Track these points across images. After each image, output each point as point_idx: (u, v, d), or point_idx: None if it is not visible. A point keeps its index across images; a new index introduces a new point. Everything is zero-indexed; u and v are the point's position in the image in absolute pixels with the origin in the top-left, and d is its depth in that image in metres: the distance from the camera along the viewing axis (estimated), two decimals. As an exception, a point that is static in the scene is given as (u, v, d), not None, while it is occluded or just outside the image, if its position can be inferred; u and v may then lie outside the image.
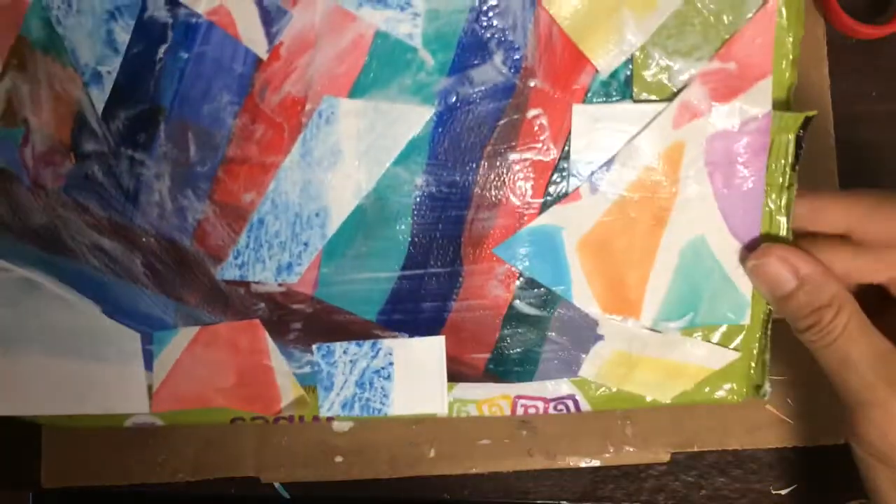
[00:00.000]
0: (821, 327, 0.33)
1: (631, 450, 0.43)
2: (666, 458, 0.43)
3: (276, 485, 0.45)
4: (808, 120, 0.34)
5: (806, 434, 0.43)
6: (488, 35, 0.34)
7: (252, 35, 0.34)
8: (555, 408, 0.39)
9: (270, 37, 0.34)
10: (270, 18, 0.34)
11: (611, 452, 0.43)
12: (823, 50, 0.43)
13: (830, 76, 0.43)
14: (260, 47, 0.34)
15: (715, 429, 0.43)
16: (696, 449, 0.44)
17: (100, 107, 0.35)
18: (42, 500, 0.46)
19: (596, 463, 0.44)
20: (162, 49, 0.34)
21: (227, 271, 0.36)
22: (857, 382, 0.33)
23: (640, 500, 0.44)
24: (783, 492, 0.44)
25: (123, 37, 0.34)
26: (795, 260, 0.34)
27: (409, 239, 0.36)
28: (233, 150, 0.35)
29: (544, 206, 0.35)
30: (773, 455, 0.44)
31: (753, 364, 0.37)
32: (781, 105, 0.34)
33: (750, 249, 0.35)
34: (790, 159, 0.35)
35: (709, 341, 0.37)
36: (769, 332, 0.37)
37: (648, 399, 0.38)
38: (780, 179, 0.35)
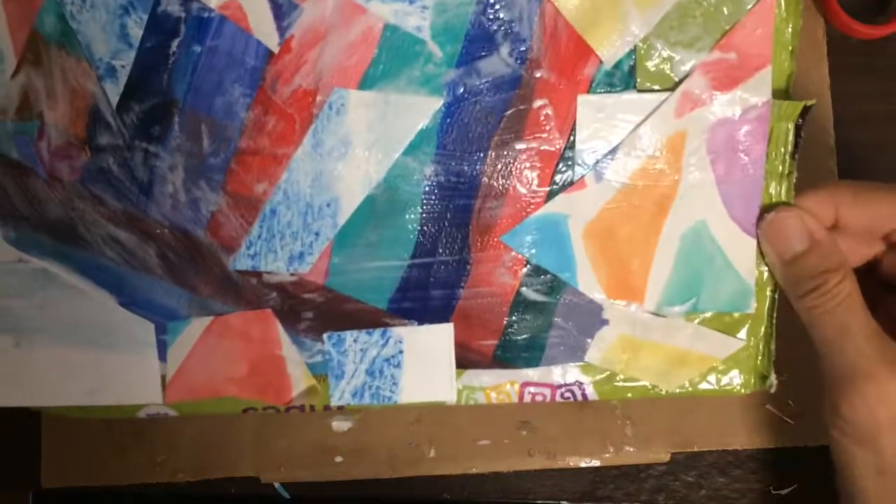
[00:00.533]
0: (825, 290, 0.34)
1: (631, 450, 0.44)
2: (666, 458, 0.44)
3: (276, 485, 0.45)
4: (806, 109, 0.35)
5: (806, 434, 0.44)
6: (495, 27, 0.35)
7: (263, 28, 0.35)
8: (562, 395, 0.40)
9: (281, 30, 0.35)
10: (282, 12, 0.35)
11: (611, 452, 0.44)
12: (823, 50, 0.43)
13: (830, 76, 0.43)
14: (271, 40, 0.35)
15: (715, 429, 0.44)
16: (696, 449, 0.44)
17: (114, 100, 0.36)
18: (42, 500, 0.46)
19: (596, 463, 0.44)
20: (175, 43, 0.35)
21: (240, 262, 0.37)
22: (853, 353, 0.33)
23: (640, 500, 0.45)
24: (783, 492, 0.45)
25: (137, 31, 0.35)
26: (810, 222, 0.35)
27: (419, 228, 0.37)
28: (245, 141, 0.36)
29: (550, 195, 0.36)
30: (773, 455, 0.45)
31: (760, 354, 0.38)
32: (781, 94, 0.36)
33: (751, 235, 0.37)
34: (790, 147, 0.36)
35: (714, 329, 0.38)
36: (775, 322, 0.38)
37: (653, 388, 0.39)
38: (780, 167, 0.36)
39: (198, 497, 0.46)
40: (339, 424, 0.44)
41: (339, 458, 0.45)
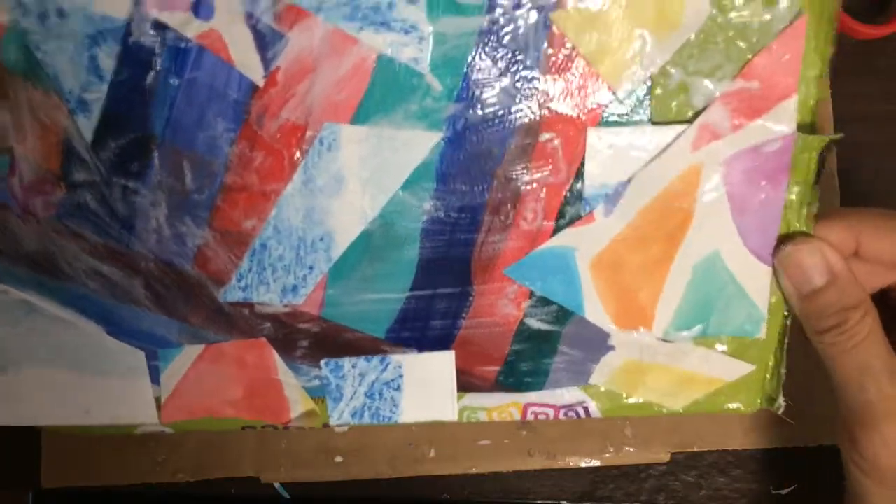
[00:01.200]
0: (845, 328, 0.34)
1: (631, 450, 0.45)
2: (666, 458, 0.45)
3: (276, 485, 0.46)
4: (832, 141, 0.34)
5: (806, 434, 0.45)
6: (499, 58, 0.33)
7: (246, 60, 0.33)
8: (565, 414, 0.40)
9: (266, 62, 0.33)
10: (266, 42, 0.33)
11: (611, 452, 0.45)
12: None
13: (830, 76, 0.42)
14: (255, 73, 0.33)
15: (715, 429, 0.45)
16: (696, 449, 0.45)
17: (88, 135, 0.34)
18: (42, 500, 0.47)
19: (596, 463, 0.45)
20: (150, 75, 0.33)
21: (231, 293, 0.37)
22: (875, 393, 0.33)
23: (640, 500, 0.46)
24: (783, 492, 0.46)
25: (108, 63, 0.33)
26: (831, 255, 0.34)
27: (417, 262, 0.36)
28: (231, 177, 0.35)
29: (557, 228, 0.36)
30: (773, 455, 0.46)
31: (769, 377, 0.38)
32: (806, 125, 0.34)
33: (766, 264, 0.36)
34: (811, 177, 0.35)
35: (724, 353, 0.38)
36: (786, 347, 0.38)
37: (657, 408, 0.39)
38: (801, 197, 0.35)
39: (198, 497, 0.47)
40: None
41: (339, 458, 0.46)
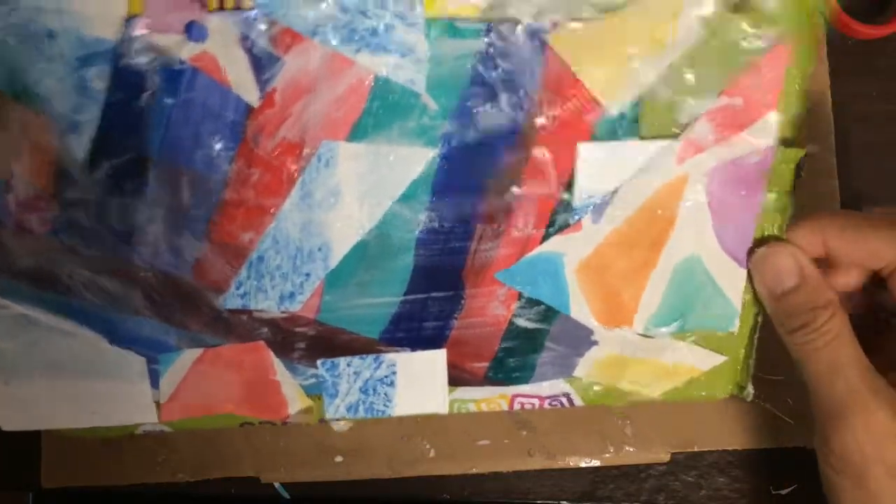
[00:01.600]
0: (814, 327, 0.35)
1: (631, 450, 0.45)
2: (666, 458, 0.45)
3: (276, 485, 0.46)
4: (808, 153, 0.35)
5: (806, 434, 0.44)
6: (494, 77, 0.33)
7: (242, 82, 0.33)
8: (549, 403, 0.42)
9: (262, 83, 0.33)
10: (261, 65, 0.32)
11: (611, 452, 0.45)
12: (823, 50, 0.43)
13: (830, 76, 0.43)
14: (251, 94, 0.33)
15: (715, 429, 0.45)
16: (696, 449, 0.45)
17: (81, 156, 0.33)
18: (42, 500, 0.47)
19: (596, 463, 0.45)
20: (144, 96, 0.33)
21: (230, 301, 0.37)
22: (843, 388, 0.34)
23: (640, 500, 0.46)
24: (783, 492, 0.46)
25: (100, 84, 0.32)
26: (801, 258, 0.36)
27: (412, 269, 0.37)
28: (230, 193, 0.34)
29: (546, 235, 0.36)
30: (773, 455, 0.46)
31: (739, 368, 0.40)
32: (786, 137, 0.35)
33: (742, 266, 0.37)
34: (788, 186, 0.36)
35: (699, 346, 0.40)
36: (756, 341, 0.39)
37: (637, 396, 0.41)
38: (777, 204, 0.36)
39: (198, 497, 0.46)
40: (339, 424, 0.45)
41: (339, 458, 0.46)
